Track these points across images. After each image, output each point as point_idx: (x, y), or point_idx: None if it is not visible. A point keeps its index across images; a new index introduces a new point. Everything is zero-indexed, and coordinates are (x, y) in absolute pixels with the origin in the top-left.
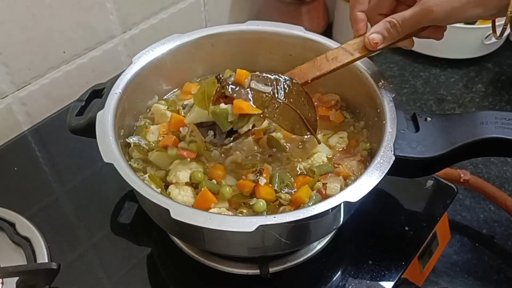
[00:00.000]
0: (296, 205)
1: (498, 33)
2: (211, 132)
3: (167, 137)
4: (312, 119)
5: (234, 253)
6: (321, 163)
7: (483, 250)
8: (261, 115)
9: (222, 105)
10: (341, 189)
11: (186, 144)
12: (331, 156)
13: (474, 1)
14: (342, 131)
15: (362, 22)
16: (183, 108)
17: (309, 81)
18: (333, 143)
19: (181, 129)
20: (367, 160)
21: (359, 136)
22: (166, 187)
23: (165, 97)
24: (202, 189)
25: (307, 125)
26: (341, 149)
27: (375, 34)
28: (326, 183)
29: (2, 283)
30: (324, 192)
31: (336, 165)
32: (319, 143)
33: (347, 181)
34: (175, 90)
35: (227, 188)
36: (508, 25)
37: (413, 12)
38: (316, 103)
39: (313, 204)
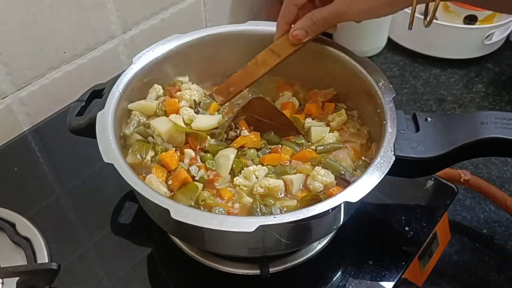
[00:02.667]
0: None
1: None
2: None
3: (175, 178)
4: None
5: (234, 253)
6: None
7: (483, 250)
8: None
9: None
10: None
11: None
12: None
13: (383, 4)
14: (339, 111)
15: (287, 23)
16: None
17: (243, 89)
18: (334, 122)
19: (191, 169)
20: (368, 146)
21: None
22: None
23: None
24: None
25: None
26: (341, 127)
27: (299, 31)
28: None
29: (2, 283)
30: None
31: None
32: (301, 133)
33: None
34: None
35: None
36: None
37: (329, 12)
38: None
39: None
